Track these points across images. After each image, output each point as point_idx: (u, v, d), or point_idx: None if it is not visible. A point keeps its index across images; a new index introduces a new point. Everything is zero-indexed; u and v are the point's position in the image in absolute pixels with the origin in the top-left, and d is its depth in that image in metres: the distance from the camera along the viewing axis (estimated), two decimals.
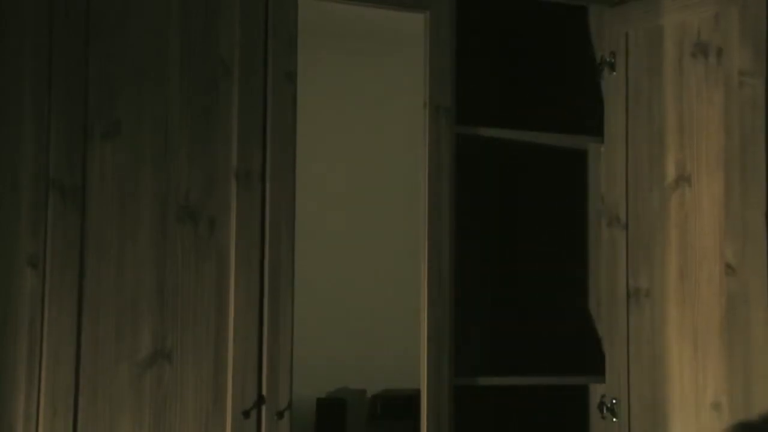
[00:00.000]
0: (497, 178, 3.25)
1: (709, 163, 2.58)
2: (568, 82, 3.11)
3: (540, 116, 3.13)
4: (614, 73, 2.83)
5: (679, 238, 2.64)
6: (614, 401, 2.76)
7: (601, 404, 2.81)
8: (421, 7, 2.66)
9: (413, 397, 2.68)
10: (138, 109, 2.37)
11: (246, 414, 2.38)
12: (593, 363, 2.86)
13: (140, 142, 2.37)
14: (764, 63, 2.46)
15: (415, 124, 2.71)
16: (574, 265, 3.02)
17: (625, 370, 2.74)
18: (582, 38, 3.02)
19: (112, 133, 2.35)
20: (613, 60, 2.84)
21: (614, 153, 2.82)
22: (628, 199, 2.78)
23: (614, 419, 2.76)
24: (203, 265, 2.39)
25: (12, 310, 2.24)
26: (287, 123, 2.48)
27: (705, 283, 2.56)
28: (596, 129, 2.88)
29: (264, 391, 2.41)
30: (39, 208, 2.27)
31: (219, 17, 2.45)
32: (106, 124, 2.34)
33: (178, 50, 2.41)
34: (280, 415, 2.41)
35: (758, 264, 2.43)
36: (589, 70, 2.96)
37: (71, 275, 2.28)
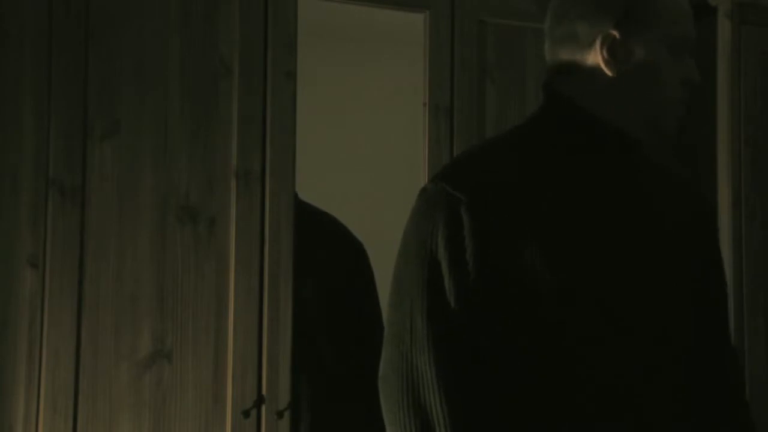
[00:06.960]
0: None
1: None
2: None
3: None
4: None
5: None
6: None
7: None
8: (421, 7, 2.66)
9: None
10: (138, 109, 2.37)
11: (246, 414, 2.38)
12: None
13: (140, 142, 2.37)
14: None
15: (415, 124, 2.70)
16: None
17: None
18: None
19: (112, 133, 2.34)
20: None
21: None
22: None
23: None
24: (203, 265, 2.39)
25: (12, 310, 2.24)
26: (287, 123, 2.48)
27: None
28: None
29: (264, 391, 2.41)
30: (39, 208, 2.27)
31: (219, 17, 2.45)
32: (106, 124, 2.34)
33: (178, 50, 2.41)
34: (280, 414, 2.41)
35: None
36: None
37: (71, 275, 2.28)
